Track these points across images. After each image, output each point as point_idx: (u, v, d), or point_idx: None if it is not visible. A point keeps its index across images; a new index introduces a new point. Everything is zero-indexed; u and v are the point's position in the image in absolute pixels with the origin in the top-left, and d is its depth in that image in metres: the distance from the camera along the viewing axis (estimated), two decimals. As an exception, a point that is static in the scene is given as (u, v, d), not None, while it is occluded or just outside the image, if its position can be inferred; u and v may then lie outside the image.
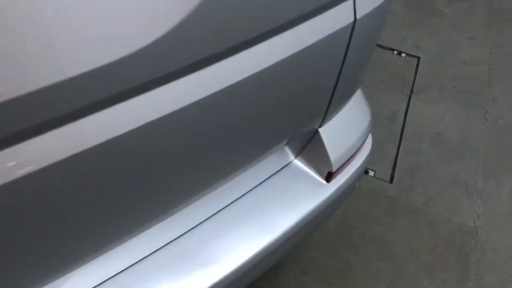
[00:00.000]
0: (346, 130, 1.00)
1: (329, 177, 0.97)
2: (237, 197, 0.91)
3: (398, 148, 1.84)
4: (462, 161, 1.82)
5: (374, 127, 1.88)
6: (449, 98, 2.06)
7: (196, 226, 0.86)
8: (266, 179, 0.95)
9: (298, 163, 0.98)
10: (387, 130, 1.90)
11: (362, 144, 1.04)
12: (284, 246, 0.93)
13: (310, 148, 0.97)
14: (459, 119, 1.98)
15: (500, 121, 1.99)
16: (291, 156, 0.98)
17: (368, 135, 1.07)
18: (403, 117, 1.96)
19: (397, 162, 1.79)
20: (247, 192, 0.92)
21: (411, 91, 2.07)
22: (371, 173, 1.74)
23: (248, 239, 0.88)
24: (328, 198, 0.97)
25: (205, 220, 0.87)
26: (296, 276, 1.42)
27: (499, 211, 1.67)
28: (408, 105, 2.01)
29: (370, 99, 1.05)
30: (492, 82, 2.15)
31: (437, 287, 1.45)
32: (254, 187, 0.93)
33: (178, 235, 0.85)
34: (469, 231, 1.60)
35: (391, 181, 1.73)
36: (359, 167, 1.03)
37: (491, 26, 2.40)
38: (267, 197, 0.93)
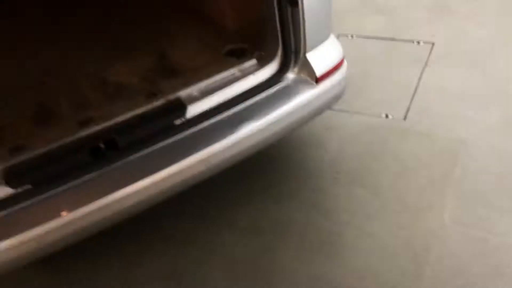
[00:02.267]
0: (323, 55, 1.52)
1: (317, 81, 1.50)
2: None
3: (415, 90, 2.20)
4: None
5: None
6: None
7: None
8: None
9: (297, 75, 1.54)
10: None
11: (338, 65, 1.53)
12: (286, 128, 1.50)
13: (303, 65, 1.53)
14: None
15: None
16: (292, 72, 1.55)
17: (341, 60, 1.59)
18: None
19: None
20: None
21: None
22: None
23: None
24: (318, 95, 1.52)
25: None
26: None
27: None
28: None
29: None
30: None
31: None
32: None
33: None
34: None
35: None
36: (336, 80, 1.57)
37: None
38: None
